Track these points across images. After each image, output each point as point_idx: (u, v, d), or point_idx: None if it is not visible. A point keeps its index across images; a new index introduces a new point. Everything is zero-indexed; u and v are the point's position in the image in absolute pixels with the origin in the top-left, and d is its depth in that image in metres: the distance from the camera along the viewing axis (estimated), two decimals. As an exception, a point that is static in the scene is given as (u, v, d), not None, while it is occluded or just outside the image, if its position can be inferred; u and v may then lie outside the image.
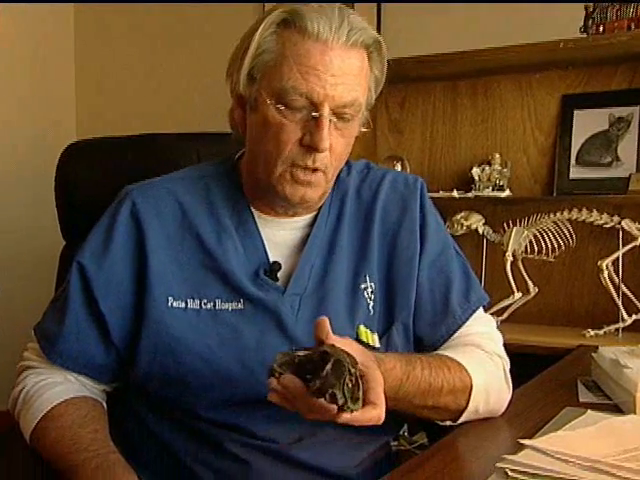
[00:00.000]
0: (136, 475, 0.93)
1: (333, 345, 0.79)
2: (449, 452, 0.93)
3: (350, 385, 0.75)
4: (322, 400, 0.75)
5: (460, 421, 1.04)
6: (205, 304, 1.01)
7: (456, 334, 1.10)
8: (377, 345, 1.04)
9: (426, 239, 1.11)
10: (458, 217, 2.14)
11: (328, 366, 0.75)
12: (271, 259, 1.05)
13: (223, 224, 1.05)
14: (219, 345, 0.99)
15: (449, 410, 1.02)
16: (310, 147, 0.96)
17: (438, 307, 1.09)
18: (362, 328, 1.04)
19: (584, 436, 0.89)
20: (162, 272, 1.02)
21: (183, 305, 1.01)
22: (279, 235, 1.07)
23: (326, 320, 0.82)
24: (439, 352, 1.06)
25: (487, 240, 2.15)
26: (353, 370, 0.76)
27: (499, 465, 0.79)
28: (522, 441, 0.86)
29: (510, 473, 0.78)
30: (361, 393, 0.76)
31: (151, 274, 1.01)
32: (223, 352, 0.99)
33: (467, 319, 1.10)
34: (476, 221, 2.13)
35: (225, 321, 1.01)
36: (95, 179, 1.38)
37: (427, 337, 1.10)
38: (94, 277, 1.02)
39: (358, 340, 1.03)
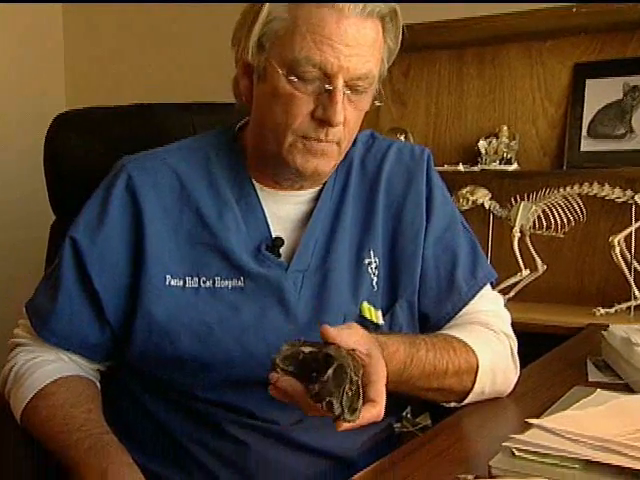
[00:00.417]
0: (130, 456, 0.93)
1: (339, 347, 0.79)
2: (453, 432, 0.94)
3: (349, 394, 0.76)
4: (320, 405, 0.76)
5: (465, 402, 1.04)
6: (204, 282, 1.02)
7: (462, 312, 1.10)
8: (380, 322, 1.05)
9: (432, 213, 1.10)
10: (464, 192, 2.13)
11: (330, 371, 0.75)
12: (273, 234, 1.05)
13: (223, 198, 1.05)
14: (218, 324, 1.00)
15: (454, 392, 1.03)
16: (323, 121, 0.95)
17: (443, 284, 1.10)
18: (365, 305, 1.05)
19: (594, 415, 0.89)
20: (159, 249, 1.01)
21: (181, 284, 1.01)
22: (282, 209, 1.07)
23: (327, 327, 0.81)
24: (444, 332, 1.06)
25: (494, 215, 2.14)
26: (355, 378, 0.76)
27: (505, 444, 0.79)
28: (529, 420, 0.86)
29: (517, 452, 0.78)
30: (360, 403, 0.77)
31: (148, 251, 1.01)
32: (222, 331, 1.00)
33: (473, 296, 1.11)
34: (482, 196, 2.13)
35: (224, 299, 1.01)
36: (86, 151, 1.37)
37: (432, 314, 1.10)
38: (88, 253, 1.02)
39: (361, 317, 1.04)
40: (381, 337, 0.90)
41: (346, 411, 0.75)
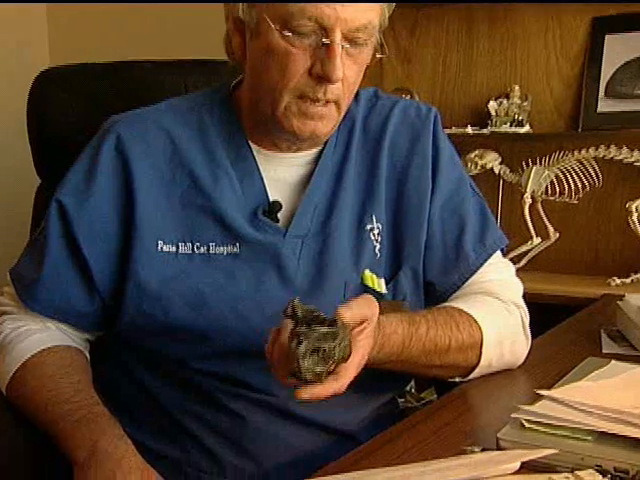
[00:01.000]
0: (122, 429, 0.94)
1: (345, 328, 0.79)
2: (460, 404, 0.95)
3: (319, 357, 0.76)
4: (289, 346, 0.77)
5: (471, 377, 1.05)
6: (198, 248, 1.02)
7: (470, 280, 1.10)
8: (383, 291, 1.05)
9: (439, 175, 1.10)
10: (472, 155, 2.13)
11: (321, 328, 0.77)
12: (271, 198, 1.05)
13: (218, 160, 1.04)
14: (212, 292, 1.00)
15: (459, 367, 1.04)
16: (321, 77, 0.94)
17: (450, 251, 1.10)
18: (367, 273, 1.05)
19: (607, 387, 0.90)
20: (151, 213, 1.01)
21: (174, 249, 1.01)
22: (280, 172, 1.06)
23: (342, 310, 0.81)
24: (449, 303, 1.07)
25: (504, 181, 2.14)
26: (338, 354, 0.77)
27: (514, 416, 0.80)
28: (539, 391, 0.86)
29: (526, 424, 0.79)
30: (324, 374, 0.77)
31: (139, 215, 1.01)
32: (216, 299, 1.00)
33: (482, 264, 1.11)
34: (492, 160, 2.12)
35: (219, 266, 1.01)
36: (72, 110, 1.36)
37: (438, 283, 1.10)
38: (75, 217, 1.02)
39: (363, 285, 1.04)
40: (380, 317, 0.90)
41: (305, 365, 0.75)
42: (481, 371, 1.05)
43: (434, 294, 1.11)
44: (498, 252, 1.14)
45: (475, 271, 1.10)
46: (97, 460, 0.88)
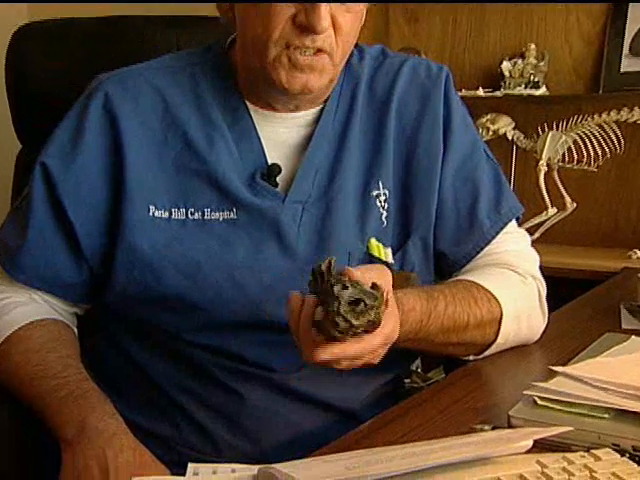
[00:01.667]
0: (112, 406, 0.95)
1: (382, 297, 0.78)
2: (470, 381, 0.96)
3: (356, 311, 0.75)
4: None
5: (486, 354, 1.06)
6: (192, 214, 1.02)
7: (484, 251, 1.11)
8: (390, 261, 1.06)
9: (451, 139, 1.10)
10: (484, 120, 2.12)
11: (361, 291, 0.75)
12: (269, 161, 1.05)
13: (213, 121, 1.04)
14: (207, 260, 1.00)
15: (476, 345, 1.04)
16: (305, 27, 0.94)
17: (464, 220, 1.10)
18: (374, 242, 1.05)
19: (626, 363, 0.90)
20: (142, 176, 1.02)
21: (166, 215, 1.02)
22: (279, 133, 1.06)
23: (352, 271, 0.80)
24: (464, 277, 1.07)
25: (517, 147, 2.14)
26: (372, 318, 0.76)
27: (527, 392, 0.81)
28: (554, 368, 0.87)
29: (539, 401, 0.80)
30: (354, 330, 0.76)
31: (129, 177, 1.01)
32: (211, 268, 1.00)
33: (497, 233, 1.11)
34: (505, 125, 2.12)
35: (214, 233, 1.02)
36: (55, 69, 1.35)
37: (450, 254, 1.11)
38: (61, 180, 1.02)
39: (369, 255, 1.05)
40: (397, 292, 0.91)
41: (344, 309, 0.74)
42: (497, 348, 1.06)
43: (446, 265, 1.12)
44: (513, 221, 1.14)
45: (490, 240, 1.11)
46: (86, 437, 0.89)
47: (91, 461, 0.87)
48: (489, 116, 2.13)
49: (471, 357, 1.07)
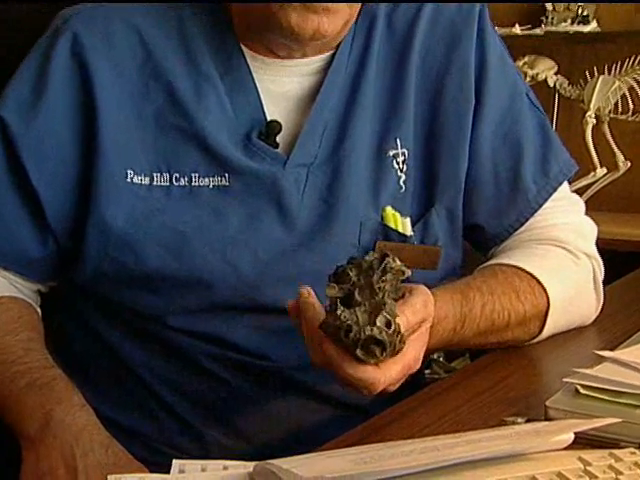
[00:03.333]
0: (81, 396, 0.96)
1: None
2: (501, 367, 0.97)
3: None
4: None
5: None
6: (177, 179, 1.03)
7: (529, 222, 1.12)
8: (409, 233, 1.07)
9: (487, 88, 1.10)
10: (521, 64, 2.12)
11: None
12: (268, 117, 1.05)
13: (203, 70, 1.04)
14: (195, 233, 1.01)
15: (518, 341, 1.06)
16: None
17: (505, 185, 1.11)
18: (389, 210, 1.06)
19: (686, 347, 0.92)
20: (118, 134, 1.02)
21: (147, 181, 1.02)
22: (280, 84, 1.07)
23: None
24: (505, 260, 1.08)
25: (560, 95, 2.14)
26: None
27: (567, 380, 0.82)
28: (600, 353, 0.88)
29: (582, 390, 0.80)
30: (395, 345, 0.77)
31: (102, 137, 1.01)
32: (200, 242, 1.01)
33: (545, 201, 1.12)
34: (546, 69, 2.12)
35: (204, 201, 1.02)
36: (8, 5, 1.35)
37: (489, 226, 1.12)
38: (21, 137, 1.02)
39: (383, 225, 1.06)
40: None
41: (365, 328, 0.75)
42: (541, 339, 1.07)
43: (483, 239, 1.13)
44: (565, 184, 1.14)
45: (537, 209, 1.11)
46: (51, 433, 0.90)
47: (57, 461, 0.88)
48: (527, 59, 2.13)
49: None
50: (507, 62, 1.15)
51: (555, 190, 1.12)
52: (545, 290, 1.05)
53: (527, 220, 1.11)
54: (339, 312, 0.75)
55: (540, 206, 1.11)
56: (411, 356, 0.82)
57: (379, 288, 0.76)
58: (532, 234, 1.11)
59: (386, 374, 0.79)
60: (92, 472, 0.87)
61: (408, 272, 0.79)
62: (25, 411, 0.93)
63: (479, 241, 1.14)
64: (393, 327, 0.75)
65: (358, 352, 0.75)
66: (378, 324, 0.75)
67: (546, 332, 1.06)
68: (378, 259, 0.77)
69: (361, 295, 0.76)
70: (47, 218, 1.04)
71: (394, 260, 0.78)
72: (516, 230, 1.12)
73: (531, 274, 1.05)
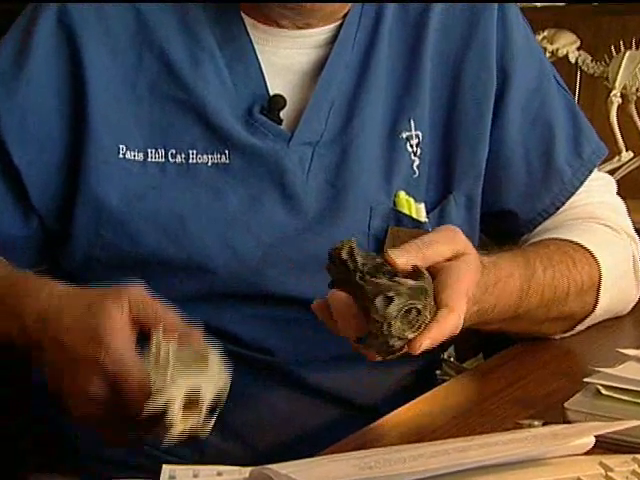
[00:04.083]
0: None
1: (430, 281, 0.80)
2: (517, 365, 0.98)
3: (408, 320, 0.76)
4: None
5: (576, 331, 1.09)
6: (173, 156, 1.03)
7: (565, 206, 1.13)
8: (423, 219, 1.08)
9: (512, 67, 1.11)
10: (540, 38, 2.12)
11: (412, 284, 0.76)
12: (271, 91, 1.06)
13: (200, 40, 1.05)
14: (192, 214, 1.02)
15: (574, 318, 1.08)
16: None
17: (537, 170, 1.13)
18: (403, 196, 1.07)
19: None
20: (109, 108, 1.03)
21: (141, 157, 1.03)
22: (284, 56, 1.07)
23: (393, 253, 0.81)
24: (550, 236, 1.09)
25: (583, 72, 2.13)
26: (428, 320, 0.78)
27: (588, 380, 0.82)
28: (623, 351, 0.89)
29: (604, 391, 0.81)
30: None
31: (92, 111, 1.02)
32: (198, 224, 1.02)
33: (581, 183, 1.14)
34: (567, 43, 2.12)
35: (201, 180, 1.03)
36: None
37: (523, 212, 1.14)
38: (2, 113, 1.03)
39: (396, 211, 1.06)
40: (489, 257, 0.93)
41: (396, 329, 0.76)
42: (591, 321, 1.09)
43: (514, 226, 1.15)
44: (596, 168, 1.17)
45: (573, 192, 1.13)
46: (42, 322, 0.87)
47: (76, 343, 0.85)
48: (547, 33, 2.12)
49: (557, 336, 1.09)
50: (533, 43, 1.17)
51: (591, 172, 1.15)
52: (597, 262, 1.06)
53: (563, 204, 1.14)
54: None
55: (576, 189, 1.14)
56: (454, 298, 0.81)
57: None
58: (569, 214, 1.14)
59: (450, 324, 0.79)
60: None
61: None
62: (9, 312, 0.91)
63: (509, 228, 1.15)
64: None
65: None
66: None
67: (599, 310, 1.08)
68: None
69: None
70: (30, 198, 1.04)
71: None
72: (551, 215, 1.14)
73: (581, 245, 1.06)
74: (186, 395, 0.78)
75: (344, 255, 0.79)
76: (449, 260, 0.83)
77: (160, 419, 0.78)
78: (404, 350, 0.79)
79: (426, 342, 0.78)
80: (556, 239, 1.08)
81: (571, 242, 1.07)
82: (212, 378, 0.80)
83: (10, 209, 1.05)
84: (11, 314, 0.91)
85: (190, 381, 0.78)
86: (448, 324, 0.79)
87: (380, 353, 0.79)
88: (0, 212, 1.05)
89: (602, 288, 1.07)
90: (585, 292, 1.06)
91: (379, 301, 0.75)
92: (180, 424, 0.78)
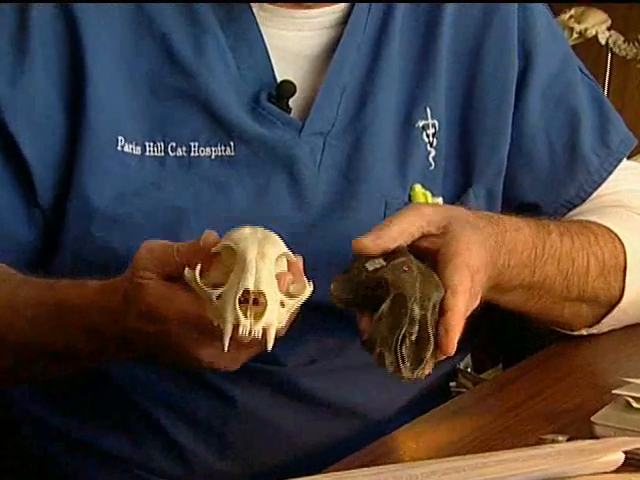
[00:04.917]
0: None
1: (403, 255, 0.83)
2: (539, 376, 0.98)
3: (410, 340, 0.79)
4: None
5: (603, 324, 1.09)
6: (174, 149, 1.04)
7: (593, 196, 1.15)
8: None
9: (533, 52, 1.12)
10: (566, 17, 2.12)
11: (383, 307, 0.80)
12: (279, 77, 1.06)
13: (202, 22, 1.05)
14: (194, 210, 1.02)
15: (598, 302, 1.08)
16: None
17: (561, 158, 1.14)
18: (419, 189, 1.08)
19: None
20: (108, 97, 1.03)
21: (138, 150, 1.03)
22: (292, 39, 1.08)
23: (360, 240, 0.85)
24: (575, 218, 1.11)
25: (614, 54, 2.14)
26: (420, 312, 0.80)
27: (617, 392, 0.82)
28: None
29: (634, 404, 0.81)
30: (430, 350, 0.80)
31: (91, 99, 1.02)
32: (200, 221, 1.01)
33: (609, 174, 1.15)
34: (597, 23, 2.12)
35: (204, 174, 1.03)
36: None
37: (547, 203, 1.15)
38: (7, 100, 1.03)
39: None
40: (487, 213, 0.96)
41: (406, 364, 0.78)
42: (619, 317, 1.09)
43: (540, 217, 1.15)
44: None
45: (600, 184, 1.15)
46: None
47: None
48: (574, 11, 2.12)
49: (584, 331, 1.10)
50: (556, 29, 1.18)
51: (619, 162, 1.16)
52: (622, 243, 1.07)
53: (589, 195, 1.15)
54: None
55: (603, 180, 1.15)
56: (458, 277, 0.85)
57: None
58: (596, 203, 1.15)
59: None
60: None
61: None
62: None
63: None
64: None
65: None
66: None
67: (626, 297, 1.08)
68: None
69: None
70: (37, 192, 1.03)
71: None
72: (576, 206, 1.15)
73: (605, 225, 1.07)
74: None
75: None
76: (437, 237, 0.88)
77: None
78: (438, 359, 0.82)
79: (451, 335, 0.81)
80: (580, 219, 1.10)
81: (596, 223, 1.08)
82: None
83: (17, 208, 1.05)
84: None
85: None
86: (458, 306, 0.83)
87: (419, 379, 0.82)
88: (9, 213, 1.04)
89: (628, 271, 1.07)
90: (609, 272, 1.06)
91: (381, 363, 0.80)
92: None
